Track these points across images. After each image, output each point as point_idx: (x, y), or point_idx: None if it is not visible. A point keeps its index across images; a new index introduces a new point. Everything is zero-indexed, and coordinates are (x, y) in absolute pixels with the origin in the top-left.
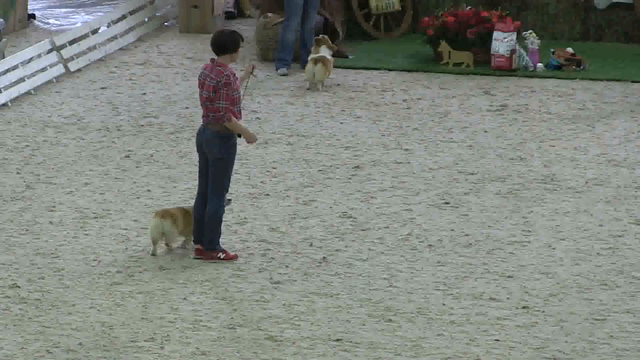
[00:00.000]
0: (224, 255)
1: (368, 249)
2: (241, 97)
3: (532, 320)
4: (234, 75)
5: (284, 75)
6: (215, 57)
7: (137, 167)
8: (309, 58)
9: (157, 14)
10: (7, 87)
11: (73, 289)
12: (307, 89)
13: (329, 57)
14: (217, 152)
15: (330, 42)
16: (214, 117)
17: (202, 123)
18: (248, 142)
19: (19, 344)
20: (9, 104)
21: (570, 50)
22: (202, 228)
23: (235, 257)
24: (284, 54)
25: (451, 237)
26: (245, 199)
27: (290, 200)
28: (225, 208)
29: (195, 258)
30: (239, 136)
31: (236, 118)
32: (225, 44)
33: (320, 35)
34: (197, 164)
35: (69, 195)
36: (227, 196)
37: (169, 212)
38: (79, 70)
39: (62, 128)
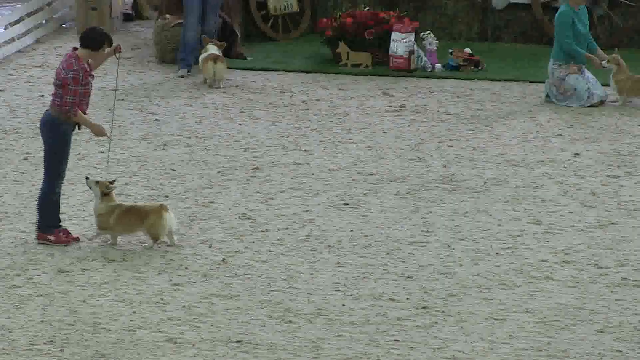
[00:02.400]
0: (54, 238)
1: (267, 251)
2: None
3: (432, 320)
4: (85, 71)
5: (182, 76)
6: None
7: (35, 169)
8: (205, 57)
9: (55, 16)
10: None
11: None
12: (208, 86)
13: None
14: (47, 136)
15: (216, 40)
16: (59, 106)
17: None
18: (97, 135)
19: None
20: None
21: (468, 50)
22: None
23: (69, 242)
24: (185, 54)
25: (350, 237)
26: (144, 201)
27: (189, 202)
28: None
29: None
30: (79, 127)
31: (83, 112)
32: (90, 40)
33: (202, 36)
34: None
35: None
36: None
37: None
38: None
39: None
